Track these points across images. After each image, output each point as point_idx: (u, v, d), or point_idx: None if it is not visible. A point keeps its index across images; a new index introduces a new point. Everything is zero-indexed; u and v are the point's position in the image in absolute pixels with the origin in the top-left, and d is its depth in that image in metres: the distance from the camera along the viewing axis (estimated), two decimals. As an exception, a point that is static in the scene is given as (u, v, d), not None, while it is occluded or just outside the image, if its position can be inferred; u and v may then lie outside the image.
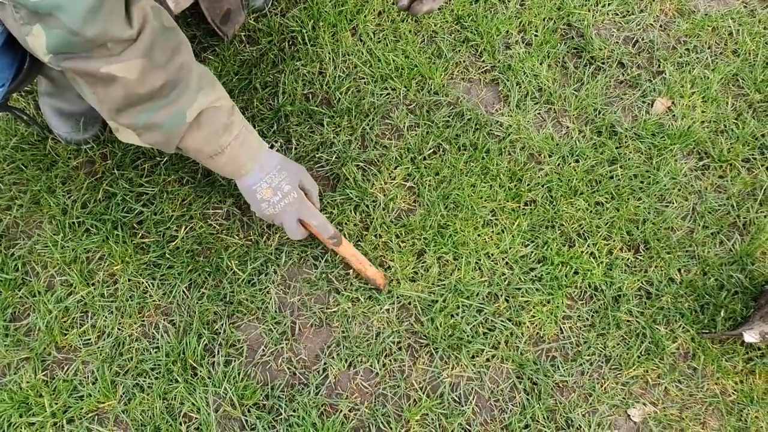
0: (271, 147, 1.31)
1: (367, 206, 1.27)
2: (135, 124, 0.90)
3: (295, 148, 1.31)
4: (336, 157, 1.31)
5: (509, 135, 1.36)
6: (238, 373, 1.13)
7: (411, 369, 1.15)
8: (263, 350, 1.15)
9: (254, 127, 1.28)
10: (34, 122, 1.17)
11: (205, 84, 0.93)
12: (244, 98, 1.34)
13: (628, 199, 1.31)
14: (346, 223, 1.25)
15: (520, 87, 1.42)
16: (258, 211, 1.09)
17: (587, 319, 1.22)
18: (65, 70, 0.82)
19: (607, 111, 1.41)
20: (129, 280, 1.18)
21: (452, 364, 1.16)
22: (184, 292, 1.18)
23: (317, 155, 1.31)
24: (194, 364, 1.13)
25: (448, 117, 1.37)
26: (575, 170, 1.33)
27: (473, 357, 1.17)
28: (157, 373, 1.12)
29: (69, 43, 0.76)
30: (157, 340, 1.14)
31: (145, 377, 1.12)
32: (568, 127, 1.39)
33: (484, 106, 1.40)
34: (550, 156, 1.35)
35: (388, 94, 1.39)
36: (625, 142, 1.38)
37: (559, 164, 1.34)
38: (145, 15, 0.82)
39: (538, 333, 1.20)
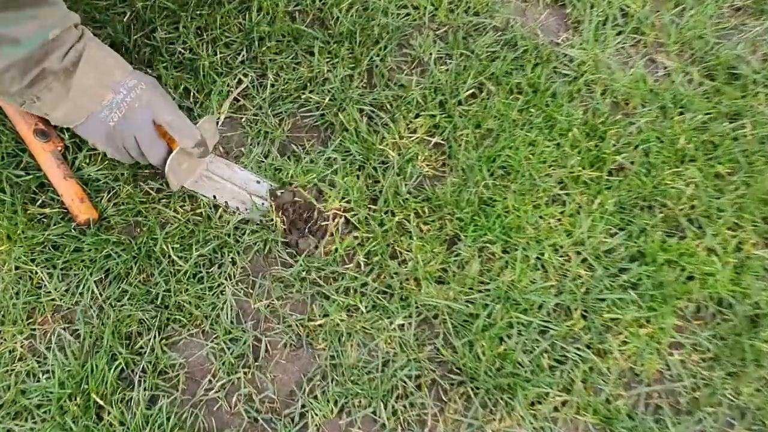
0: (239, 82, 1.12)
1: (375, 169, 1.07)
2: None
3: (272, 85, 1.12)
4: (331, 99, 1.13)
5: (583, 74, 1.17)
6: (167, 419, 0.90)
7: (436, 420, 0.92)
8: (210, 382, 0.93)
9: (216, 53, 1.16)
10: None
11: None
12: (203, 14, 1.15)
13: (762, 170, 1.10)
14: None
15: (595, 9, 1.23)
16: (94, 134, 0.92)
17: (708, 349, 0.98)
18: None
19: (721, 46, 1.21)
20: (16, 267, 0.98)
21: (501, 413, 0.92)
22: (95, 288, 0.97)
23: (304, 95, 1.13)
24: (100, 401, 0.90)
25: (495, 46, 1.19)
26: (680, 127, 1.12)
27: (533, 404, 0.93)
28: (43, 413, 0.88)
29: None
30: (49, 360, 0.92)
31: (22, 419, 0.89)
32: (666, 67, 1.20)
33: (546, 33, 1.22)
34: (643, 106, 1.16)
35: (408, 13, 1.21)
36: (752, 89, 1.18)
37: (657, 118, 1.14)
38: None
39: (632, 369, 0.97)
